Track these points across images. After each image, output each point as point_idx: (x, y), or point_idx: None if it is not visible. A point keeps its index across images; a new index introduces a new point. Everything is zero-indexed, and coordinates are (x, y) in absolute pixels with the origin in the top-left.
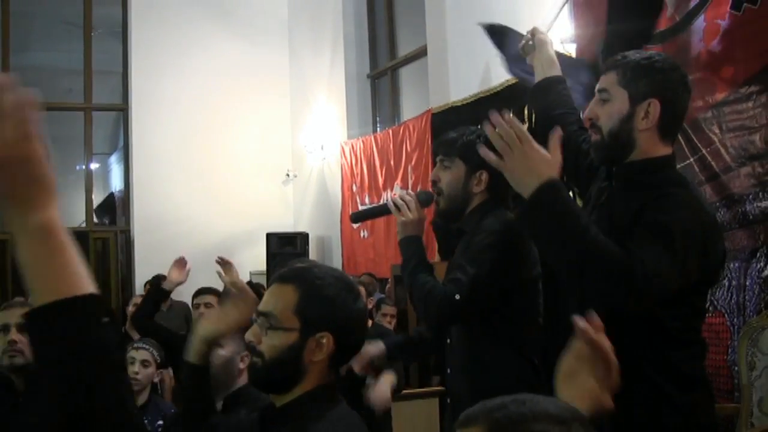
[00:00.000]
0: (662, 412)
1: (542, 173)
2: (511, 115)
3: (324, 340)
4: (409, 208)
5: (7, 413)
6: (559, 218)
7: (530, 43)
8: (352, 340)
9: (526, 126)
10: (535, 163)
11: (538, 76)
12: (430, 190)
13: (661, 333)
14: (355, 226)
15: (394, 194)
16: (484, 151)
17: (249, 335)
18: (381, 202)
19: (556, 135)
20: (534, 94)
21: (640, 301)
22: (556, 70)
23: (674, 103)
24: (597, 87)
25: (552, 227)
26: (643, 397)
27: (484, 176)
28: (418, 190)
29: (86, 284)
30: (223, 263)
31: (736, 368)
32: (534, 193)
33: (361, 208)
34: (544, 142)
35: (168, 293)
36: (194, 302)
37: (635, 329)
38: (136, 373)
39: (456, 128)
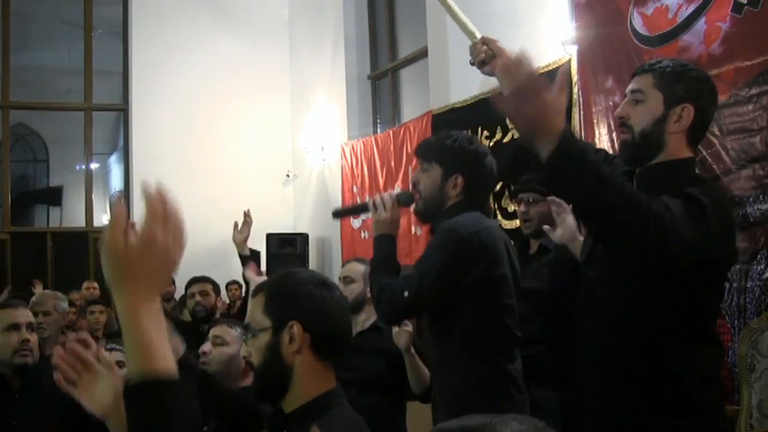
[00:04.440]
0: (684, 413)
1: (552, 128)
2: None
3: (294, 329)
4: (384, 207)
5: (4, 410)
6: (578, 170)
7: (489, 52)
8: (325, 325)
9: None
10: (542, 119)
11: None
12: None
13: (689, 331)
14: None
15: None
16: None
17: (243, 351)
18: (363, 201)
19: (564, 75)
20: None
21: (655, 249)
22: None
23: (704, 111)
24: (629, 88)
25: (573, 180)
26: (668, 396)
27: (460, 180)
28: (399, 190)
29: (173, 365)
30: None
31: (736, 370)
32: (549, 156)
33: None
34: (528, 154)
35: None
36: (188, 291)
37: (666, 329)
38: None
39: (436, 133)
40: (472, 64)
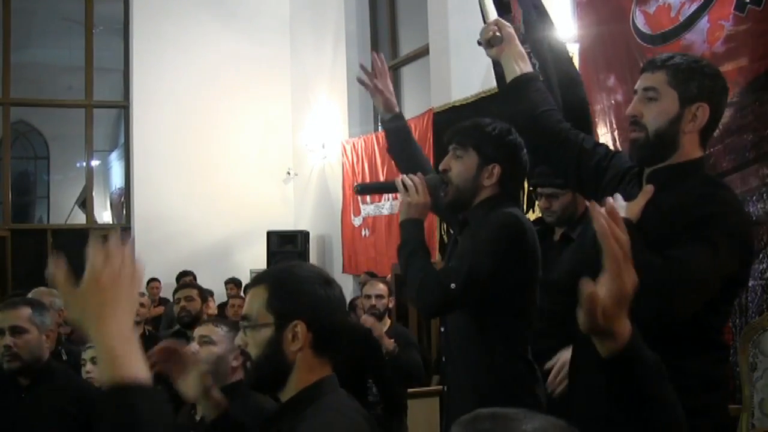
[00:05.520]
0: (689, 413)
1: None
2: None
3: (297, 329)
4: (417, 190)
5: (12, 407)
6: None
7: (497, 34)
8: (327, 325)
9: None
10: None
11: (511, 73)
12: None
13: (699, 337)
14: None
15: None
16: None
17: (238, 340)
18: (389, 180)
19: (648, 190)
20: (512, 92)
21: (685, 305)
22: (528, 65)
23: (717, 110)
24: (641, 85)
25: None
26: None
27: (497, 169)
28: (428, 174)
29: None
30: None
31: (737, 369)
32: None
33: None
34: (527, 142)
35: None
36: (174, 297)
37: (676, 332)
38: (89, 372)
39: (471, 119)
40: (479, 43)
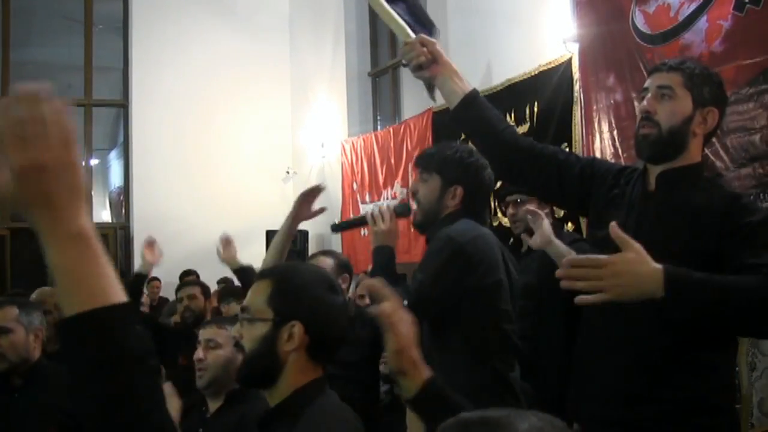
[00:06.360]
0: (704, 412)
1: (651, 272)
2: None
3: (294, 329)
4: (382, 219)
5: (5, 408)
6: (700, 296)
7: (428, 57)
8: (326, 331)
9: (527, 125)
10: (633, 271)
11: (453, 93)
12: (410, 201)
13: (716, 336)
14: None
15: (395, 202)
16: (590, 299)
17: (234, 331)
18: (361, 214)
19: (614, 228)
20: (465, 112)
21: None
22: (465, 82)
23: (722, 117)
24: (655, 83)
25: (700, 306)
26: (688, 398)
27: (459, 191)
28: (397, 202)
29: (120, 292)
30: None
31: (737, 369)
32: (665, 290)
33: (341, 219)
34: (499, 160)
35: (144, 276)
36: (177, 295)
37: (690, 333)
38: None
39: (436, 144)
40: (405, 65)
